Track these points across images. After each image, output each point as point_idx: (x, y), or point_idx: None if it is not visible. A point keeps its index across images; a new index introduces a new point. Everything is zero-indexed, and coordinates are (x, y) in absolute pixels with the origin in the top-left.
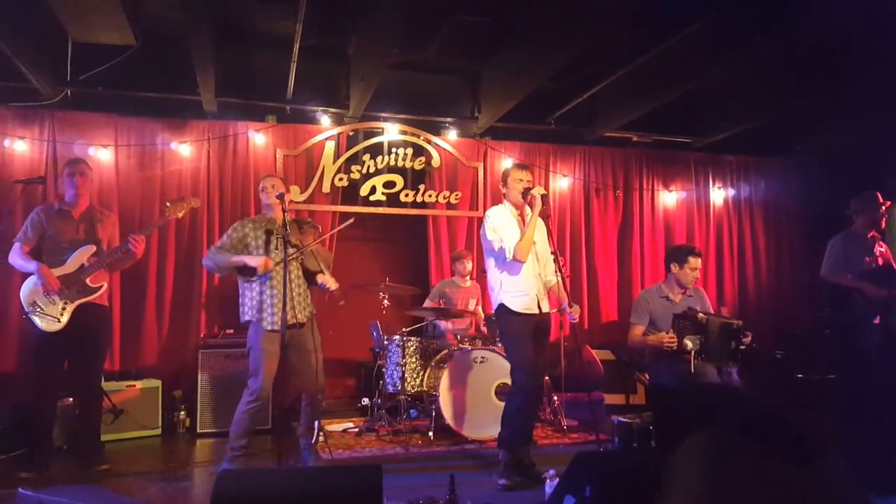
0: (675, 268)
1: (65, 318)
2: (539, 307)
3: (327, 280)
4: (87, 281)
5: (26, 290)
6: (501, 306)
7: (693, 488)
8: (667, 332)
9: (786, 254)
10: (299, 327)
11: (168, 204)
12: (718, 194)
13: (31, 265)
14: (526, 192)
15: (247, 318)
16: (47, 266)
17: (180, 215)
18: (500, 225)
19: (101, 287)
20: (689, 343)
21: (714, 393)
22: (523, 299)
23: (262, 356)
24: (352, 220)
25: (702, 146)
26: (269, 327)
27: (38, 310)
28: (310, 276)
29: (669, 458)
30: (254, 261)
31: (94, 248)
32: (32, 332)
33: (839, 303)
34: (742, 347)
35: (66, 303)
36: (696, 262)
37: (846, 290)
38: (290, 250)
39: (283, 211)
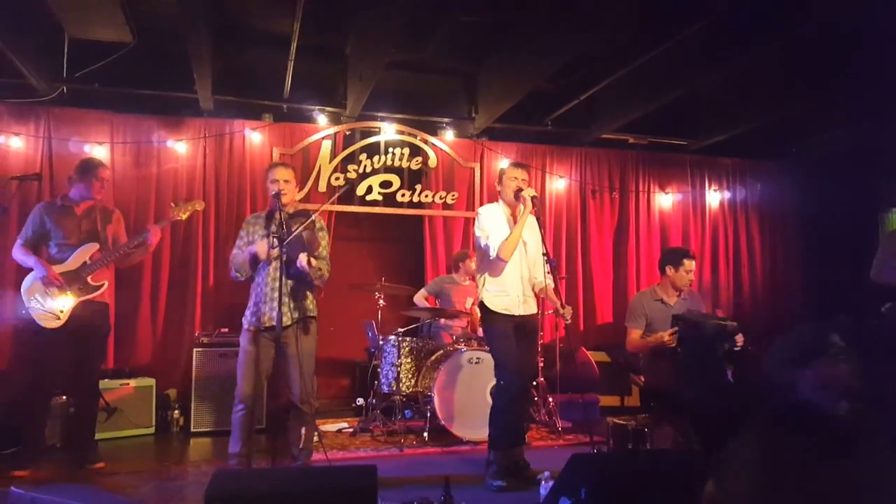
0: (669, 270)
1: (64, 316)
2: (521, 308)
3: (302, 259)
4: (89, 279)
5: (26, 285)
6: (482, 305)
7: (754, 485)
8: (661, 332)
9: (781, 256)
10: (280, 329)
11: (174, 205)
12: (714, 197)
13: (30, 259)
14: (518, 192)
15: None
16: (49, 263)
17: (184, 217)
18: (489, 222)
19: (102, 285)
20: None
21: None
22: (504, 299)
23: (242, 357)
24: (346, 187)
25: (698, 149)
26: (247, 326)
27: (38, 306)
28: (290, 268)
29: (715, 458)
30: (254, 248)
31: (97, 246)
32: (31, 329)
33: None
34: (736, 349)
35: (66, 299)
36: (690, 264)
37: None
38: (275, 251)
39: (280, 210)
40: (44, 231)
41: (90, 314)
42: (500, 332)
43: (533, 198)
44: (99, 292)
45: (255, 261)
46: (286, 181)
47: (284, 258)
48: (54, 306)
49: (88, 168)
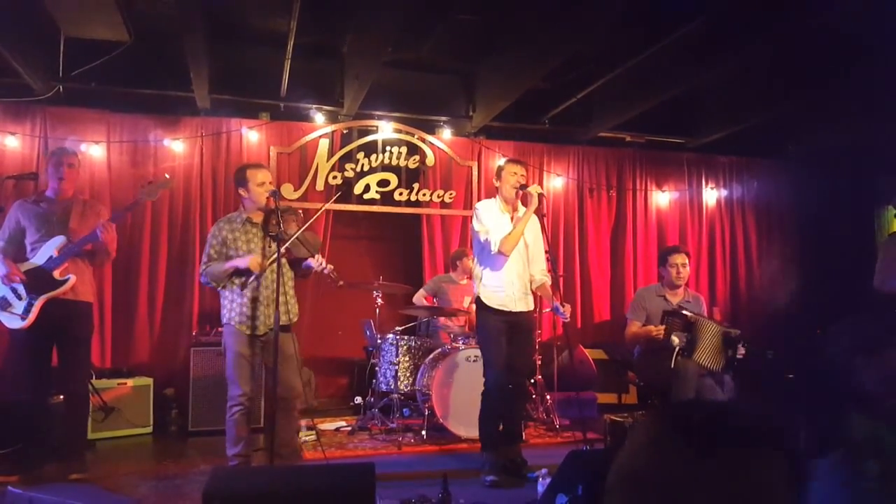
0: (661, 271)
1: (31, 315)
2: (517, 305)
3: (321, 261)
4: (55, 274)
5: None
6: (478, 300)
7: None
8: (655, 326)
9: (777, 254)
10: (278, 331)
11: (143, 186)
12: (711, 195)
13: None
14: (521, 188)
15: (225, 320)
16: (21, 260)
17: (154, 198)
18: (488, 218)
19: (67, 280)
20: (675, 339)
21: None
22: (499, 295)
23: (237, 361)
24: (339, 194)
25: (695, 147)
26: (247, 331)
27: (6, 306)
28: (298, 266)
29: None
30: (244, 262)
31: (63, 240)
32: (5, 331)
33: None
34: (739, 357)
35: (32, 297)
36: (675, 258)
37: None
38: (268, 260)
39: (276, 209)
40: (20, 229)
41: (62, 314)
42: (492, 329)
43: (539, 195)
44: (65, 287)
45: (240, 273)
46: (271, 182)
47: (284, 259)
48: (20, 307)
49: (53, 156)
